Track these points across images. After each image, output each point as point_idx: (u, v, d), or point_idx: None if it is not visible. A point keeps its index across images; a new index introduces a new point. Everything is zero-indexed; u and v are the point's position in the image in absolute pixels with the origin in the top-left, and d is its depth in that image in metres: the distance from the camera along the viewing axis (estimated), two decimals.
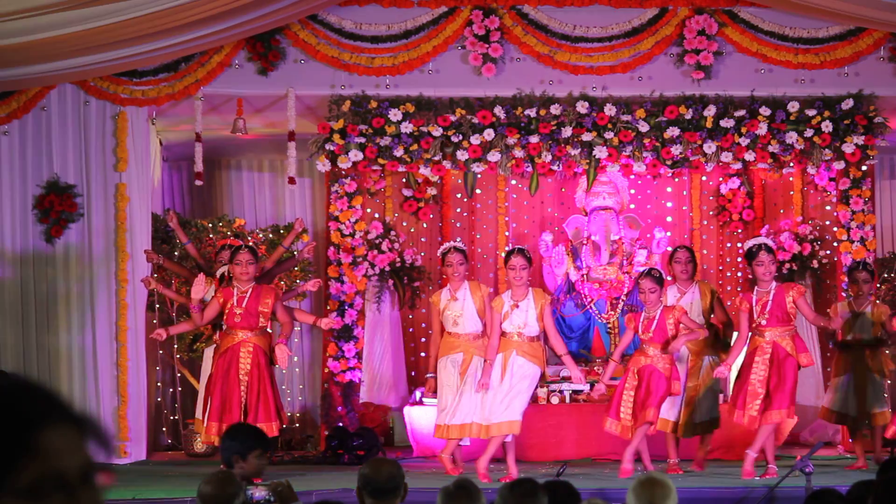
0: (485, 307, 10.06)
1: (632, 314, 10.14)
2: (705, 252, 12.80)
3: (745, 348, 9.77)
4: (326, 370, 11.66)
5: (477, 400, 9.83)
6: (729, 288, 12.74)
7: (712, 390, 10.28)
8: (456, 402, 9.92)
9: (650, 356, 9.74)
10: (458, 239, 11.26)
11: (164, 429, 12.35)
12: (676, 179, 12.85)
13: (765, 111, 11.17)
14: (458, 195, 12.87)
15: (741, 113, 11.20)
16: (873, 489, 4.76)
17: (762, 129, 11.17)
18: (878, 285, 11.74)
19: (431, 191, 12.64)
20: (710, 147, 11.21)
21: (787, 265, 11.88)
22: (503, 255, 12.73)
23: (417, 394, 11.78)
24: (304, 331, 12.85)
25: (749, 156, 11.23)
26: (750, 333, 9.77)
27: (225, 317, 9.42)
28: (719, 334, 10.48)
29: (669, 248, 12.56)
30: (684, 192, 12.98)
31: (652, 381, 9.69)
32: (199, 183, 11.43)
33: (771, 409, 9.51)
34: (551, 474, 9.10)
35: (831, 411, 10.43)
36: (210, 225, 11.97)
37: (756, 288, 9.76)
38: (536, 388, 10.28)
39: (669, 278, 10.65)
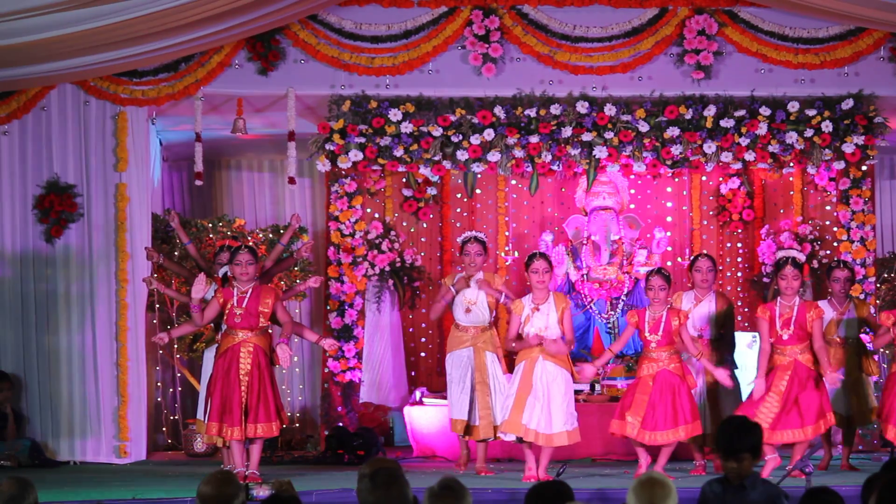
0: (497, 300, 10.08)
1: (634, 310, 10.02)
2: (695, 255, 12.79)
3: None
4: (326, 370, 11.66)
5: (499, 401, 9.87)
6: (729, 288, 12.74)
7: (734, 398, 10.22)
8: (491, 403, 9.97)
9: (657, 360, 9.65)
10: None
11: (164, 429, 12.35)
12: (676, 179, 12.85)
13: (765, 111, 11.17)
14: (458, 195, 12.87)
15: (741, 113, 11.20)
16: (876, 489, 4.78)
17: (762, 129, 11.17)
18: (878, 285, 11.74)
19: (431, 191, 12.64)
20: (710, 147, 11.21)
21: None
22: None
23: (417, 394, 11.78)
24: None
25: (749, 156, 11.23)
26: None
27: (225, 317, 9.42)
28: (730, 345, 10.42)
29: (669, 248, 12.58)
30: (684, 192, 12.98)
31: (673, 392, 9.56)
32: (199, 183, 11.43)
33: (805, 425, 9.49)
34: (552, 474, 9.11)
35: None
36: (210, 225, 11.97)
37: (779, 300, 9.67)
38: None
39: (690, 285, 10.59)
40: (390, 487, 4.64)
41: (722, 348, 10.28)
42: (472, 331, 10.16)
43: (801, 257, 9.95)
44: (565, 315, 9.72)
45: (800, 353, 9.54)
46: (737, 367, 10.35)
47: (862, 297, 11.13)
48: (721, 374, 9.73)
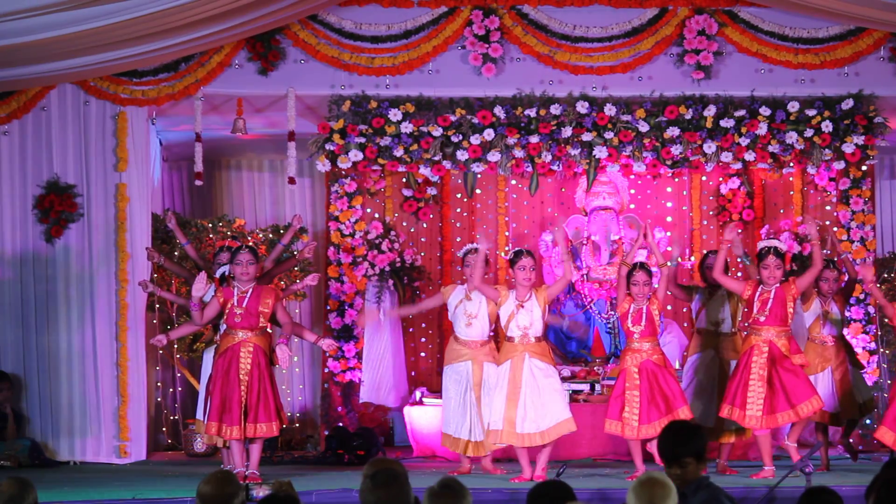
0: (496, 311, 10.02)
1: (631, 298, 10.04)
2: (705, 252, 12.80)
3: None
4: (326, 370, 11.66)
5: (501, 407, 9.79)
6: None
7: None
8: (478, 413, 9.93)
9: (640, 350, 9.74)
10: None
11: (164, 429, 12.35)
12: (676, 179, 12.85)
13: (765, 111, 11.17)
14: (458, 195, 12.87)
15: (741, 113, 11.20)
16: (875, 488, 4.78)
17: (762, 129, 11.17)
18: (879, 285, 11.73)
19: (431, 191, 12.65)
20: (710, 147, 11.21)
21: (788, 265, 11.87)
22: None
23: (417, 394, 11.78)
24: None
25: (749, 156, 11.23)
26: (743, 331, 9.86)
27: (225, 317, 9.42)
28: (739, 337, 10.46)
29: (669, 248, 12.58)
30: (684, 192, 12.98)
31: (660, 380, 9.63)
32: (199, 183, 11.43)
33: (800, 402, 9.51)
34: (551, 474, 9.11)
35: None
36: (210, 225, 11.97)
37: (761, 286, 9.76)
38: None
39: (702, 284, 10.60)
40: (390, 487, 4.64)
41: (736, 341, 10.32)
42: (472, 345, 10.09)
43: (783, 247, 9.99)
44: (548, 290, 9.78)
45: (775, 336, 9.62)
46: None
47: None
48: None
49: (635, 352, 9.75)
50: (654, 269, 9.99)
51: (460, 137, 11.24)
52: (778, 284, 9.68)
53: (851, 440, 10.76)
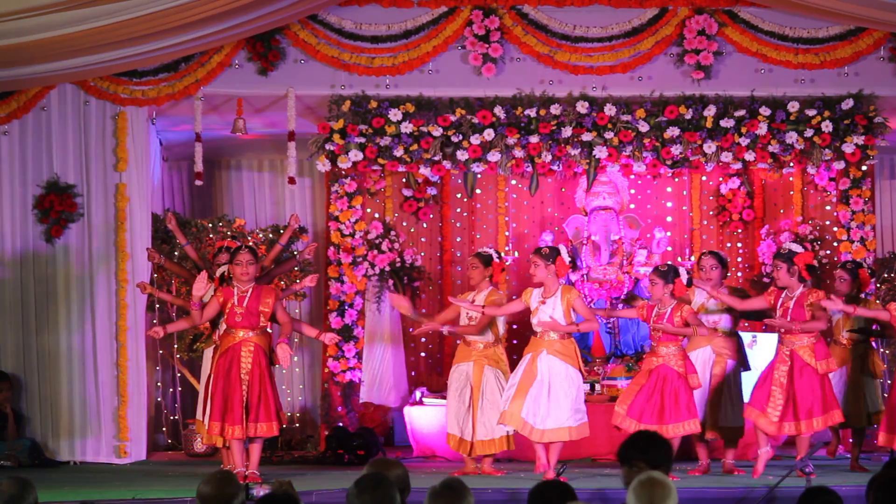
0: (495, 318, 10.04)
1: (645, 302, 10.07)
2: (707, 250, 12.78)
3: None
4: (326, 370, 11.66)
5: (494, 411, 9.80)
6: None
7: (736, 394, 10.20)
8: (476, 416, 9.94)
9: (662, 355, 9.68)
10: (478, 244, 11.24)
11: (164, 429, 12.35)
12: (676, 179, 12.85)
13: (765, 111, 11.17)
14: (458, 195, 12.87)
15: (741, 113, 11.20)
16: (874, 487, 4.78)
17: (762, 129, 11.17)
18: (878, 285, 11.74)
19: (431, 191, 12.65)
20: (710, 147, 11.21)
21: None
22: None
23: (417, 394, 11.78)
24: None
25: (749, 156, 11.23)
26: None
27: (225, 316, 9.42)
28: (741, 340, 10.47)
29: (669, 248, 12.58)
30: (684, 192, 12.98)
31: (668, 386, 9.58)
32: (199, 183, 11.43)
33: (810, 417, 9.51)
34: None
35: None
36: (210, 225, 11.97)
37: (785, 291, 9.75)
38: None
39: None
40: (374, 492, 4.64)
41: (736, 341, 10.30)
42: (474, 346, 10.11)
43: (795, 248, 9.91)
44: (577, 302, 9.73)
45: (797, 341, 9.58)
46: (749, 369, 10.33)
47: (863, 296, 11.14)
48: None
49: (655, 356, 9.72)
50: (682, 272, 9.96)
51: (460, 137, 11.24)
52: (802, 289, 9.65)
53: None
